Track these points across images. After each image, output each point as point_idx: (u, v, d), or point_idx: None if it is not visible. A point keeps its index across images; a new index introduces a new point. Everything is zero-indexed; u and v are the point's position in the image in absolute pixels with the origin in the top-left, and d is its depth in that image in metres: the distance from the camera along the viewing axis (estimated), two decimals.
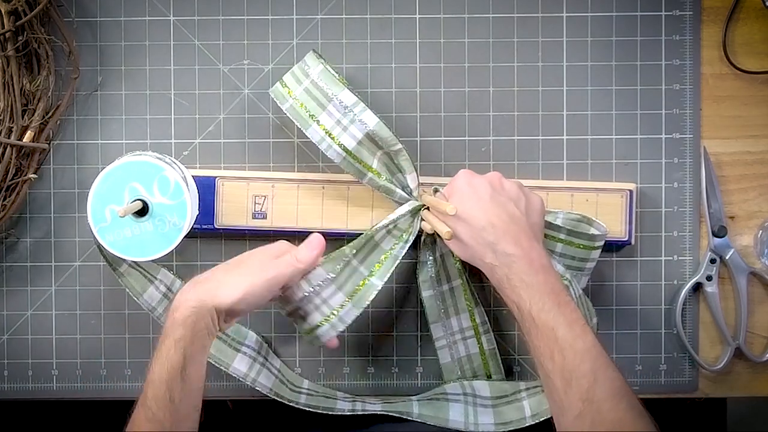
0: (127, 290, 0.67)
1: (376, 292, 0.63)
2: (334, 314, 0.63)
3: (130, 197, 0.61)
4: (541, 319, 0.54)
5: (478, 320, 0.67)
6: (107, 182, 0.61)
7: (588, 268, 0.66)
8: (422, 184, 0.66)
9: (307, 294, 0.62)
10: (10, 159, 0.65)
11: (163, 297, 0.68)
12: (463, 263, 0.65)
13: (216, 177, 0.68)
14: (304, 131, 0.64)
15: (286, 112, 0.64)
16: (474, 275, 0.69)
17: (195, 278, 0.59)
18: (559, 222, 0.64)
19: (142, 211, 0.62)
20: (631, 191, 0.68)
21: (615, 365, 0.53)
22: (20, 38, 0.65)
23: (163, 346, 0.55)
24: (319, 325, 0.63)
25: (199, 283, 0.58)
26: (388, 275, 0.63)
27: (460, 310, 0.67)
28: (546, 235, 0.63)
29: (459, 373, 0.68)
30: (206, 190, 0.68)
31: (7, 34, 0.64)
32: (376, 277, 0.63)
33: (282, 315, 0.66)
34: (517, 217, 0.58)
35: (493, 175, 0.61)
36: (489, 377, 0.68)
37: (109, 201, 0.61)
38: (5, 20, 0.64)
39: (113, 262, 0.66)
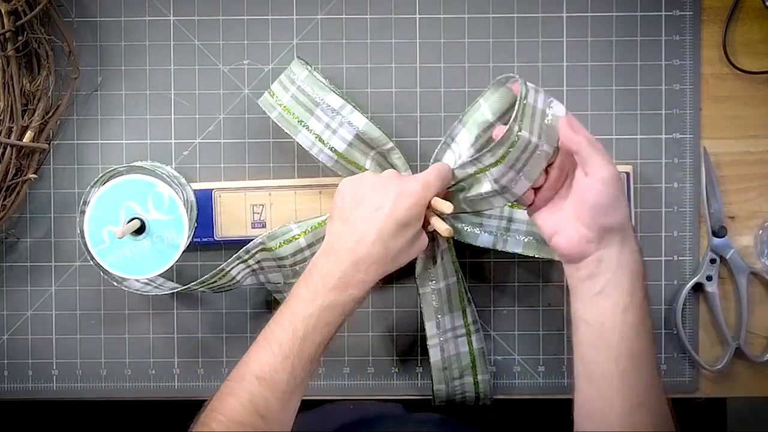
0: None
1: None
2: None
3: (126, 216, 0.61)
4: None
5: (470, 319, 0.67)
6: (102, 204, 0.61)
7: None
8: None
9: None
10: (10, 159, 0.65)
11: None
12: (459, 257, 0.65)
13: (213, 189, 0.68)
14: (294, 138, 0.64)
15: (275, 120, 0.64)
16: (471, 273, 0.69)
17: (363, 252, 0.56)
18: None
19: (140, 230, 0.61)
20: (628, 173, 0.68)
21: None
22: (20, 38, 0.65)
23: (325, 314, 0.55)
24: None
25: (373, 261, 0.56)
26: None
27: (454, 308, 0.66)
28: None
29: (446, 371, 0.67)
30: (204, 203, 0.68)
31: (7, 34, 0.64)
32: None
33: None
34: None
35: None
36: (475, 377, 0.67)
37: (105, 222, 0.61)
38: (5, 20, 0.64)
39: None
